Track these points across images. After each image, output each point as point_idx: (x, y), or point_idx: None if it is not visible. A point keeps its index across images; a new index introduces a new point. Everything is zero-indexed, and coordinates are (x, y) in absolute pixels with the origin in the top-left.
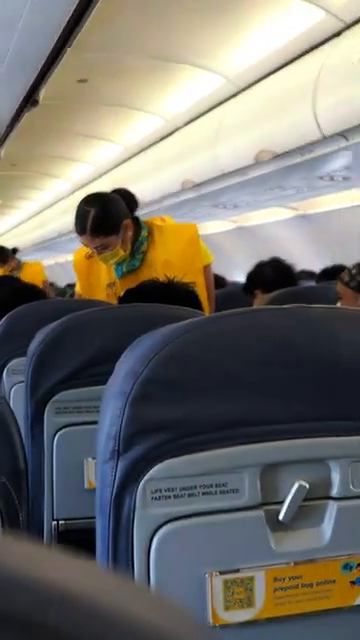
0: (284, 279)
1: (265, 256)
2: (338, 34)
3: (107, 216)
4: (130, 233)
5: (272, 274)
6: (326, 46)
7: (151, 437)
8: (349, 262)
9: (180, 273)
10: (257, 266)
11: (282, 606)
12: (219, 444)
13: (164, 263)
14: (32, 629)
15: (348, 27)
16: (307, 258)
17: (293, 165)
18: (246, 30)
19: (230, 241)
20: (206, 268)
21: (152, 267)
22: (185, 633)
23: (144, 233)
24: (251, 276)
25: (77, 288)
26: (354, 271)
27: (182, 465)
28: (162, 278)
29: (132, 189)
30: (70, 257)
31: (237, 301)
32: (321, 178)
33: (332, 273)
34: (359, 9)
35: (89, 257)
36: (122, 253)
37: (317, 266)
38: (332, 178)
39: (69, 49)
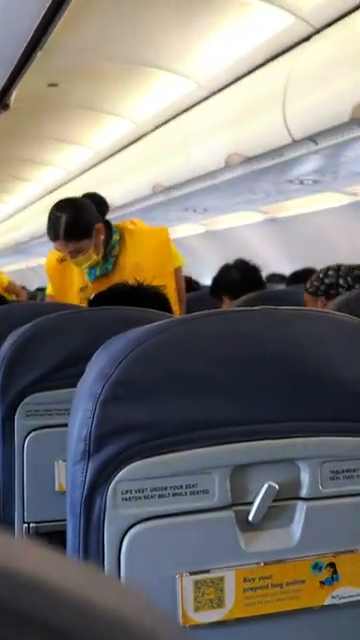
0: (251, 282)
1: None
2: (307, 38)
3: (79, 221)
4: (102, 237)
5: (239, 278)
6: (295, 50)
7: (121, 438)
8: (319, 265)
9: (150, 276)
10: (223, 269)
11: (252, 606)
12: (189, 445)
13: (135, 266)
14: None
15: (317, 32)
16: (278, 261)
17: (263, 169)
18: (216, 34)
19: (201, 245)
20: (177, 271)
21: (124, 271)
22: (162, 628)
23: (116, 237)
24: (217, 280)
25: (49, 291)
26: (314, 277)
27: (152, 466)
28: (132, 281)
29: (103, 192)
30: (42, 260)
31: (210, 304)
32: (291, 182)
33: (302, 276)
34: (328, 14)
35: (62, 261)
36: (95, 257)
37: (288, 269)
38: (302, 182)
39: (40, 53)
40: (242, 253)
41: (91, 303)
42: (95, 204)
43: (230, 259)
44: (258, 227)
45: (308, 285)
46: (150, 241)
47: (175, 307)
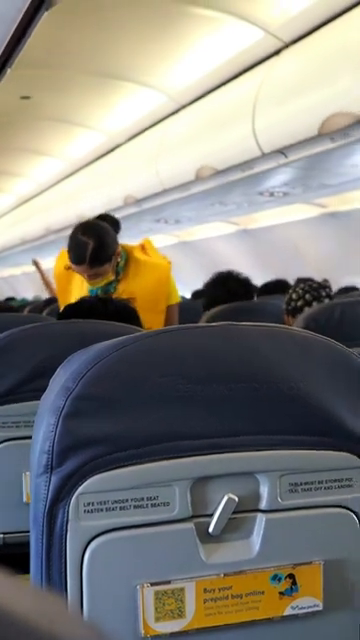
0: (236, 297)
1: (208, 270)
2: (277, 53)
3: (104, 247)
4: (119, 259)
5: (221, 294)
6: (265, 65)
7: (83, 452)
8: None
9: (142, 309)
10: (210, 283)
11: (212, 617)
12: (150, 458)
13: (130, 294)
14: None
15: (287, 46)
16: (250, 272)
17: (233, 181)
18: (187, 48)
19: (173, 255)
20: (171, 307)
21: (120, 296)
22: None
23: (121, 262)
24: (203, 293)
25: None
26: (292, 297)
27: (114, 479)
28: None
29: (75, 204)
30: (13, 271)
31: (184, 317)
32: (261, 194)
33: (273, 288)
34: (297, 29)
35: (68, 268)
36: (111, 277)
37: (260, 280)
38: (272, 194)
39: (12, 66)
40: (214, 264)
41: (60, 316)
42: (110, 225)
43: (202, 269)
44: (230, 238)
45: (285, 305)
46: (151, 275)
47: None
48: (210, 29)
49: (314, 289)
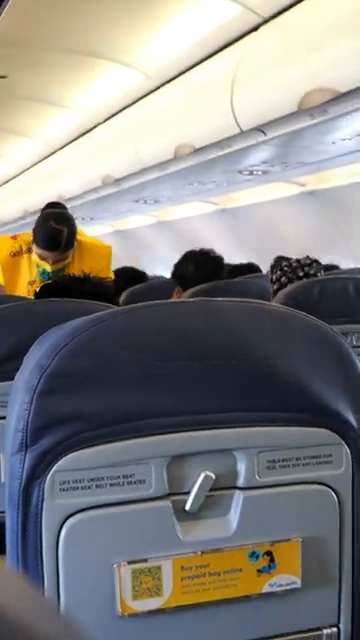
0: (208, 276)
1: (186, 250)
2: (256, 29)
3: (73, 234)
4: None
5: (192, 271)
6: (244, 41)
7: (58, 430)
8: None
9: None
10: (181, 260)
11: (190, 594)
12: (125, 436)
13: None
14: None
15: (265, 22)
16: (229, 251)
17: (212, 159)
18: (164, 25)
19: (153, 236)
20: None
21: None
22: None
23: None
24: (174, 271)
25: (1, 281)
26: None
27: (89, 457)
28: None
29: (54, 185)
30: None
31: (159, 295)
32: (240, 172)
33: (242, 271)
34: (276, 4)
35: (14, 255)
36: (69, 260)
37: (240, 259)
38: (251, 172)
39: None
40: (193, 244)
41: (38, 295)
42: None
43: (181, 249)
44: (209, 217)
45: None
46: (96, 253)
47: None
48: (187, 5)
49: (302, 266)
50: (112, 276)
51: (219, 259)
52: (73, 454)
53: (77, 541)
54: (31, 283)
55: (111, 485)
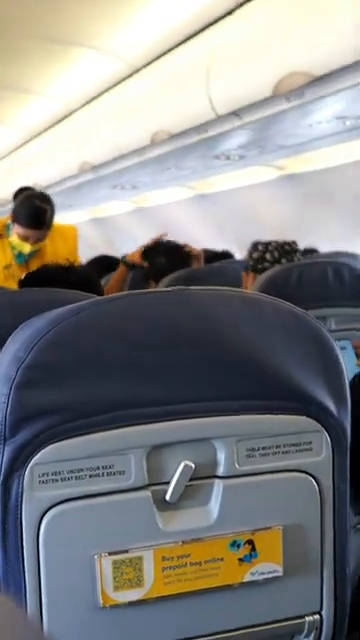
0: (177, 264)
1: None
2: (230, 13)
3: (53, 214)
4: None
5: (164, 262)
6: (219, 25)
7: (37, 422)
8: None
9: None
10: (148, 253)
11: (171, 585)
12: (104, 427)
13: (52, 256)
14: None
15: (240, 5)
16: (209, 237)
17: (189, 145)
18: (139, 11)
19: (131, 222)
20: None
21: (44, 256)
22: None
23: None
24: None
25: None
26: (247, 253)
27: (68, 448)
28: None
29: (31, 172)
30: None
31: (137, 284)
32: (217, 157)
33: (216, 259)
34: None
35: None
36: (45, 241)
37: (220, 245)
38: (228, 157)
39: None
40: (172, 230)
41: (21, 283)
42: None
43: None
44: (188, 203)
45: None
46: (65, 236)
47: None
48: None
49: (281, 246)
50: (78, 261)
51: (180, 246)
52: (52, 446)
53: (57, 533)
54: (7, 267)
55: (90, 476)
